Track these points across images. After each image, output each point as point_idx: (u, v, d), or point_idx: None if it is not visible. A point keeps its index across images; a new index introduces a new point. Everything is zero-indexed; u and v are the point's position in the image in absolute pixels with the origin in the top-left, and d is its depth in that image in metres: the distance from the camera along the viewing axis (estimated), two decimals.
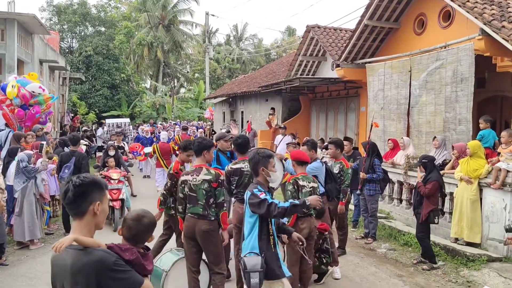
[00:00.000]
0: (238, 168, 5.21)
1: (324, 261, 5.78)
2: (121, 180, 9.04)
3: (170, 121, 27.86)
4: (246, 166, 5.13)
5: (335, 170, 6.68)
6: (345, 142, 8.69)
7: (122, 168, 9.96)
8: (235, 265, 5.32)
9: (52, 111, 12.24)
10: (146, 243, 2.52)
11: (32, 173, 7.20)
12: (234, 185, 5.18)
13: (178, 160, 5.73)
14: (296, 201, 3.80)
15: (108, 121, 22.30)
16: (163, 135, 12.79)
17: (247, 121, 15.13)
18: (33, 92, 9.98)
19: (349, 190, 6.99)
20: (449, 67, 8.61)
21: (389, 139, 9.45)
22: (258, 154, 3.92)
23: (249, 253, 3.65)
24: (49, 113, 11.44)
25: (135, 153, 14.07)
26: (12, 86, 10.07)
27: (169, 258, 5.01)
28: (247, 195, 3.80)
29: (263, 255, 3.64)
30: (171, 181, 5.43)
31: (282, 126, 14.40)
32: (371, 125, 8.87)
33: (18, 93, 9.82)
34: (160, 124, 24.93)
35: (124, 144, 12.34)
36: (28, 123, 10.02)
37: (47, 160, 8.12)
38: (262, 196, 3.67)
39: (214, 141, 7.15)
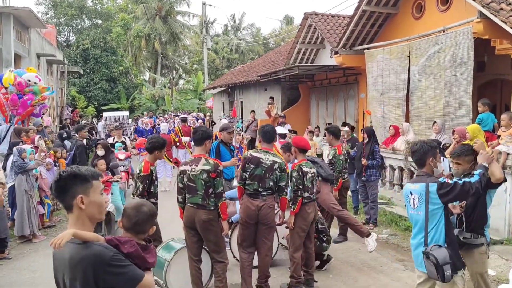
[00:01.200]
0: (257, 157, 4.81)
1: (325, 239, 5.79)
2: (105, 188, 7.11)
3: (170, 112, 27.81)
4: (266, 159, 4.80)
5: (329, 156, 6.70)
6: (343, 128, 8.71)
7: (119, 171, 8.60)
8: (240, 262, 5.06)
9: (47, 104, 12.09)
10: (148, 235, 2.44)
11: (20, 169, 7.17)
12: (248, 174, 4.83)
13: (148, 160, 5.13)
14: (479, 170, 3.56)
15: (105, 114, 21.33)
16: (163, 127, 12.75)
17: (233, 108, 14.41)
18: (29, 81, 9.91)
19: (346, 175, 7.00)
20: (448, 51, 8.56)
21: (390, 125, 9.44)
22: (427, 144, 3.68)
23: (434, 246, 3.47)
24: (44, 106, 11.29)
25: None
26: (10, 71, 10.05)
27: (171, 248, 5.03)
28: (432, 187, 3.45)
29: (445, 246, 3.47)
30: (143, 184, 5.00)
31: (282, 115, 14.38)
32: (363, 113, 8.86)
33: (14, 81, 9.79)
34: (160, 115, 24.87)
35: (125, 138, 11.45)
36: (21, 110, 9.95)
37: (43, 154, 8.07)
38: (450, 181, 3.49)
39: (218, 132, 7.14)
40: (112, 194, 7.41)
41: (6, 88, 9.87)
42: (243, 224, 4.93)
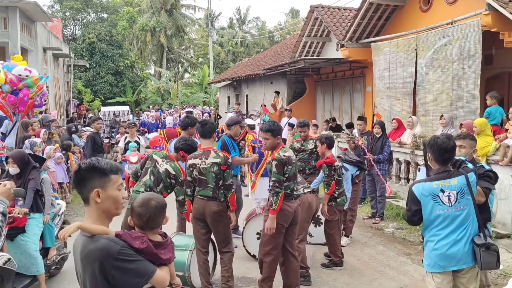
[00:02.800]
0: (289, 156, 4.48)
1: (335, 194, 5.62)
2: (13, 223, 4.62)
3: (176, 106, 27.85)
4: (292, 155, 4.59)
5: (310, 145, 6.50)
6: (358, 122, 8.62)
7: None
8: (268, 274, 4.56)
9: (46, 92, 11.85)
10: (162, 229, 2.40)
11: None
12: (286, 177, 4.44)
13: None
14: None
15: (104, 109, 18.81)
16: (169, 120, 12.75)
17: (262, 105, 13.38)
18: (20, 75, 9.68)
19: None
20: (456, 44, 8.49)
21: (393, 119, 9.40)
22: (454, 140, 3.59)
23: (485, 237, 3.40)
24: (43, 94, 11.11)
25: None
26: None
27: (185, 239, 5.03)
28: (472, 177, 3.37)
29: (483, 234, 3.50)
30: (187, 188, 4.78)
31: (288, 108, 14.34)
32: (373, 115, 8.79)
33: (6, 79, 9.62)
34: (167, 109, 24.87)
35: (138, 138, 10.04)
36: (22, 108, 9.86)
37: (54, 153, 8.10)
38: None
39: (224, 125, 7.02)
40: (25, 233, 4.79)
41: (0, 87, 9.72)
42: (278, 231, 4.41)
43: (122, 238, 2.07)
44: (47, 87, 13.10)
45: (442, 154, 3.43)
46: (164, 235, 2.34)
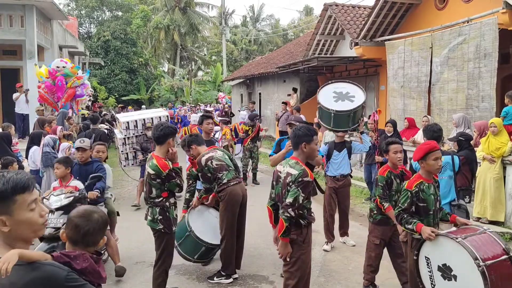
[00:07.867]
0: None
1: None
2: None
3: (192, 104, 27.96)
4: None
5: None
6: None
7: None
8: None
9: (87, 84, 12.41)
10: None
11: (50, 162, 7.24)
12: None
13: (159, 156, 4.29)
14: None
15: (124, 118, 9.40)
16: (194, 118, 12.81)
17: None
18: (57, 67, 10.27)
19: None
20: (472, 42, 8.38)
21: (405, 118, 9.31)
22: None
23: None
24: (85, 86, 11.62)
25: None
26: (39, 66, 10.52)
27: (180, 226, 5.07)
28: (456, 159, 4.80)
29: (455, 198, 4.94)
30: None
31: (296, 107, 14.27)
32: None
33: (47, 73, 10.25)
34: (185, 106, 24.95)
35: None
36: (60, 94, 10.31)
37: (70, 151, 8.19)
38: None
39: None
40: None
41: (39, 81, 10.29)
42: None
43: (61, 260, 1.80)
44: None
45: (432, 134, 4.68)
46: (97, 253, 2.06)
